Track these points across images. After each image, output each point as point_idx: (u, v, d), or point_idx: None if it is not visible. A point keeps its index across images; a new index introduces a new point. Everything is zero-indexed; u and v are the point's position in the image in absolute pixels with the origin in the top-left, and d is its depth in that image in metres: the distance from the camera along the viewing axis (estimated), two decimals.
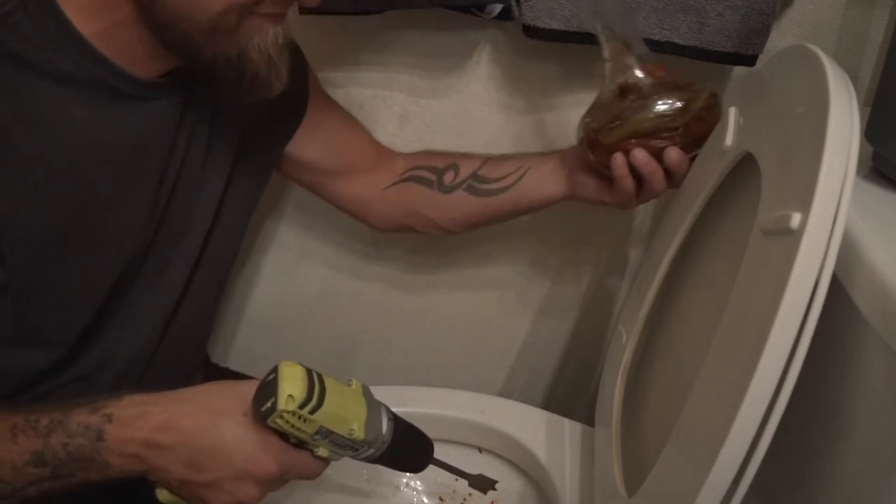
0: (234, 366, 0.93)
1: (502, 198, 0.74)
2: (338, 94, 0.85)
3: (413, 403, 0.80)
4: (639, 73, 0.62)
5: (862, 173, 0.60)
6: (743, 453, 0.43)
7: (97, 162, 0.55)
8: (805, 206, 0.44)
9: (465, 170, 0.75)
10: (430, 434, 0.77)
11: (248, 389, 0.53)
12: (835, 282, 0.45)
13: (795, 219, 0.44)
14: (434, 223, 0.78)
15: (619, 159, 0.60)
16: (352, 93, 0.85)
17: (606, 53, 0.63)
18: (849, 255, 0.48)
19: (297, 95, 0.71)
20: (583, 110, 0.82)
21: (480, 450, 0.81)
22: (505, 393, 1.05)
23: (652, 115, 0.60)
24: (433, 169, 0.76)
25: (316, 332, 1.03)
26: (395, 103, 0.85)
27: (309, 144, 0.74)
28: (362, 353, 1.05)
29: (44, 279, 0.55)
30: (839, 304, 0.48)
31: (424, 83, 0.83)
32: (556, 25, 0.72)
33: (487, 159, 0.76)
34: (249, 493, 0.53)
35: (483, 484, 0.65)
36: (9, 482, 0.50)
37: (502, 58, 0.81)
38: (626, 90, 0.62)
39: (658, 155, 0.61)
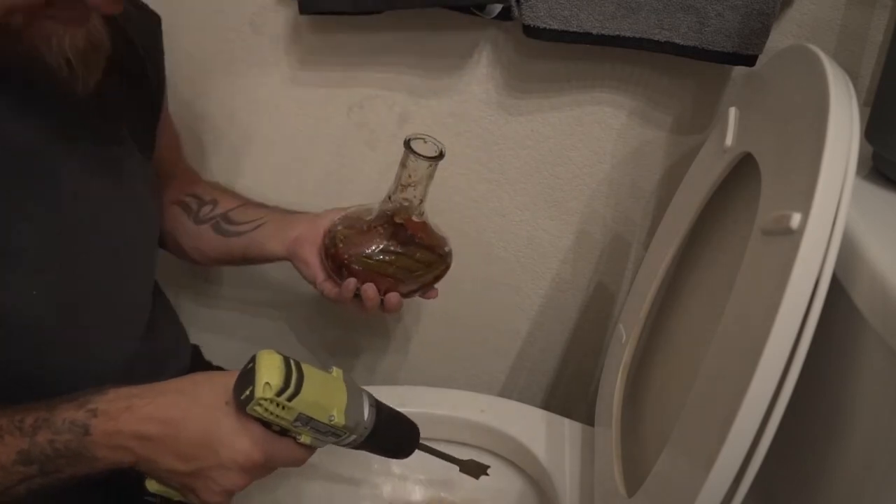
0: (229, 366, 0.92)
1: (236, 241, 0.77)
2: (338, 94, 0.85)
3: (413, 403, 0.80)
4: (403, 222, 0.69)
5: (862, 173, 0.60)
6: (743, 453, 0.43)
7: None
8: (805, 206, 0.44)
9: (222, 207, 0.79)
10: (430, 434, 0.78)
11: (230, 380, 0.55)
12: (835, 282, 0.45)
13: (795, 219, 0.44)
14: (184, 251, 0.81)
15: (350, 284, 0.67)
16: (352, 93, 0.85)
17: (404, 176, 0.68)
18: (849, 255, 0.48)
19: (157, 90, 0.72)
20: (582, 110, 0.83)
21: (480, 450, 0.81)
22: (505, 393, 1.05)
23: (392, 269, 0.67)
24: (198, 198, 0.80)
25: (316, 332, 1.03)
26: (395, 103, 0.85)
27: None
28: (362, 353, 1.05)
29: None
30: (839, 304, 0.48)
31: (424, 83, 0.83)
32: (556, 25, 0.72)
33: (246, 203, 0.80)
34: (235, 480, 0.54)
35: (475, 469, 0.66)
36: None
37: (502, 58, 0.81)
38: (388, 224, 0.68)
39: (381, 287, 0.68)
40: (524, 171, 0.88)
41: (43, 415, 0.52)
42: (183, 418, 0.53)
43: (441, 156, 0.67)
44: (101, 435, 0.51)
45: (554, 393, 1.06)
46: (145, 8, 0.72)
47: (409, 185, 0.68)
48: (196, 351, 0.88)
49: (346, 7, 0.71)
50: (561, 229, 0.92)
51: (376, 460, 0.76)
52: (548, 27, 0.72)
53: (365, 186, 0.90)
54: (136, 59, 0.69)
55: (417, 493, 0.82)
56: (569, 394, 1.05)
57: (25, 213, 0.57)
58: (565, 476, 0.74)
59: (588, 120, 0.84)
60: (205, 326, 1.02)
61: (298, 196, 0.92)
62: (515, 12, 0.73)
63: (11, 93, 0.56)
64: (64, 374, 0.62)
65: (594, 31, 0.72)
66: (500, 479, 0.80)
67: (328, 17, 0.77)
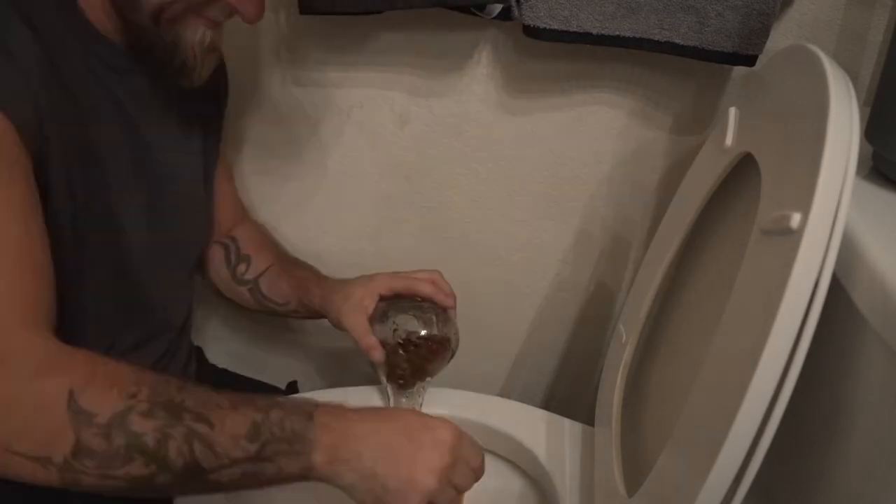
0: (233, 367, 0.92)
1: (279, 311, 0.84)
2: (338, 94, 0.85)
3: None
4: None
5: (862, 173, 0.60)
6: (743, 453, 0.43)
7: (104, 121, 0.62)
8: (805, 206, 0.44)
9: (253, 271, 0.83)
10: None
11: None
12: (835, 282, 0.45)
13: (795, 219, 0.44)
14: (224, 295, 0.86)
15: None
16: (352, 93, 0.85)
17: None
18: (849, 255, 0.48)
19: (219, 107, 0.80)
20: (582, 110, 0.83)
21: None
22: (505, 393, 1.05)
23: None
24: (235, 246, 0.84)
25: (316, 331, 1.03)
26: (395, 103, 0.85)
27: None
28: (362, 354, 1.05)
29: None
30: (839, 304, 0.48)
31: (424, 83, 0.83)
32: (555, 25, 0.72)
33: (273, 264, 0.84)
34: (428, 482, 0.53)
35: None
36: (218, 452, 0.49)
37: (502, 58, 0.81)
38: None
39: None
40: (524, 171, 0.88)
41: (273, 399, 0.53)
42: (387, 413, 0.56)
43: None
44: (322, 423, 0.52)
45: (554, 393, 1.06)
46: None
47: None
48: (199, 353, 0.88)
49: (346, 7, 0.71)
50: (561, 229, 0.92)
51: None
52: (548, 27, 0.72)
53: (365, 186, 0.90)
54: (220, 74, 0.77)
55: None
56: (569, 394, 1.05)
57: (135, 192, 0.65)
58: (565, 476, 0.74)
59: (588, 120, 0.84)
60: (207, 328, 1.02)
61: (298, 196, 0.92)
62: (515, 12, 0.73)
63: (142, 81, 0.64)
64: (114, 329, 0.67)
65: (594, 31, 0.72)
66: (500, 479, 0.80)
67: (328, 17, 0.77)
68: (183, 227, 0.73)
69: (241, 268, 0.83)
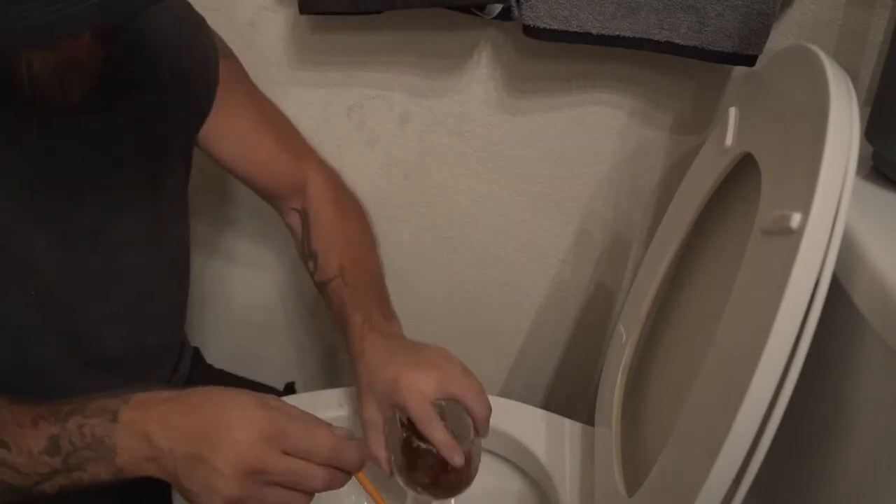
0: (230, 368, 0.92)
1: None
2: (338, 94, 0.85)
3: None
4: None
5: (862, 173, 0.60)
6: (743, 453, 0.43)
7: None
8: (805, 206, 0.44)
9: (319, 275, 0.76)
10: None
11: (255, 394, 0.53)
12: (835, 282, 0.45)
13: (795, 219, 0.44)
14: None
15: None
16: (352, 93, 0.85)
17: None
18: (849, 255, 0.48)
19: (202, 93, 0.71)
20: (582, 110, 0.83)
21: (480, 449, 0.81)
22: (505, 393, 1.05)
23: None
24: (308, 245, 0.77)
25: (315, 332, 1.03)
26: (395, 103, 0.85)
27: (217, 144, 0.73)
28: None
29: None
30: (839, 304, 0.48)
31: (424, 83, 0.83)
32: (556, 25, 0.72)
33: (333, 279, 0.74)
34: (225, 486, 0.49)
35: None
36: (23, 472, 0.50)
37: (502, 58, 0.81)
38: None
39: None
40: (524, 171, 0.88)
41: (81, 403, 0.51)
42: (202, 402, 0.51)
43: None
44: (127, 421, 0.50)
45: (554, 393, 1.06)
46: (187, 13, 0.70)
47: None
48: (196, 353, 0.88)
49: (346, 7, 0.71)
50: (561, 229, 0.92)
51: None
52: (548, 27, 0.72)
53: (365, 186, 0.90)
54: (154, 67, 0.66)
55: None
56: (569, 394, 1.05)
57: (38, 222, 0.59)
58: (565, 476, 0.74)
59: (588, 120, 0.84)
60: (205, 329, 1.02)
61: None
62: (515, 12, 0.73)
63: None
64: (50, 366, 0.62)
65: (594, 31, 0.72)
66: (500, 479, 0.80)
67: (328, 17, 0.77)
68: (113, 252, 0.65)
69: (311, 265, 0.76)
